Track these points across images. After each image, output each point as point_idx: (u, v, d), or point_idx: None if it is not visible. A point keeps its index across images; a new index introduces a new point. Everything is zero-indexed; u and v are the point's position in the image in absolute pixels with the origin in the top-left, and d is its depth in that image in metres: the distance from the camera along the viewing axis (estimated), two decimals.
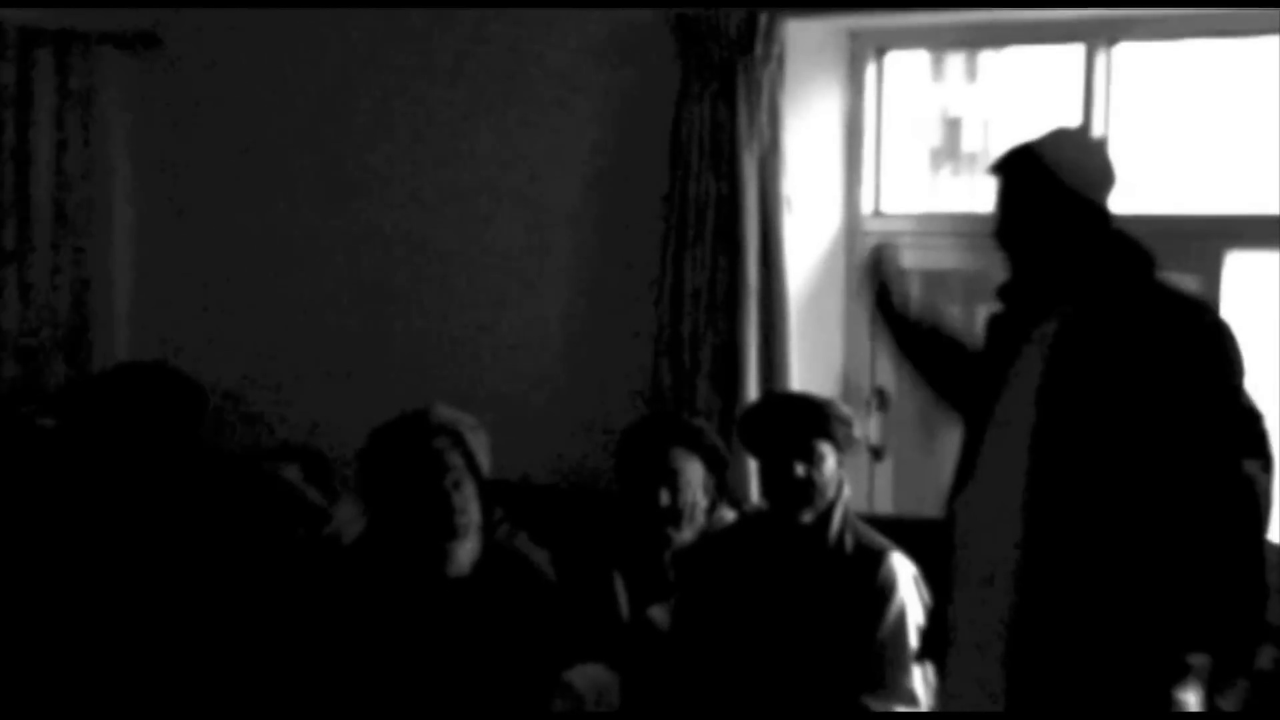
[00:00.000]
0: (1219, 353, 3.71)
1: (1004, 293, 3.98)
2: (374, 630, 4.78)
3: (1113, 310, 3.75)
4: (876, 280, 4.27)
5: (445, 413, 4.86)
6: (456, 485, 4.75)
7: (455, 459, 4.76)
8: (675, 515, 4.96)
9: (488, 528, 4.85)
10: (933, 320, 4.27)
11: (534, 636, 4.78)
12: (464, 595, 4.77)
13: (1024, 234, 3.83)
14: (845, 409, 4.79)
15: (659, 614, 4.87)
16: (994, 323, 4.02)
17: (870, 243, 5.48)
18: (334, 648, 4.82)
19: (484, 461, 4.83)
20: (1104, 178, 3.84)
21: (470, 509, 4.77)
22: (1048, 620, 3.73)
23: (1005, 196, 3.84)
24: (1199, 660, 3.70)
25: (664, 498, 4.95)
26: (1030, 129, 3.91)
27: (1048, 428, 3.75)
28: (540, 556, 4.91)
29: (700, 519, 5.01)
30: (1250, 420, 3.69)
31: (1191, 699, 3.74)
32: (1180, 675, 3.70)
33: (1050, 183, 3.79)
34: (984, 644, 3.81)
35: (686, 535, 4.98)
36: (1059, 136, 3.89)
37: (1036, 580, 3.73)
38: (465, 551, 4.78)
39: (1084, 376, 3.73)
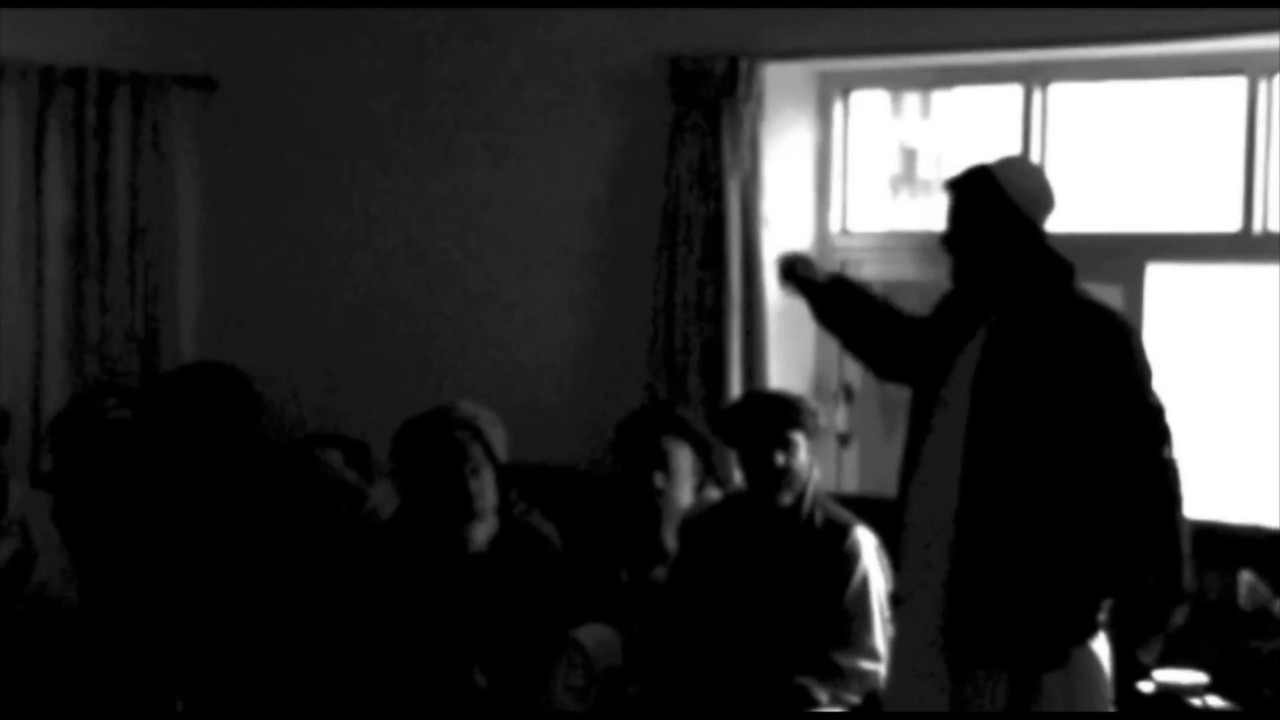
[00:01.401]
0: (1127, 351, 3.84)
1: (949, 297, 4.08)
2: (403, 601, 4.89)
3: (1038, 313, 3.87)
4: (785, 261, 4.32)
5: (467, 408, 5.00)
6: (475, 472, 4.88)
7: (474, 450, 4.89)
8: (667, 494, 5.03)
9: (505, 508, 4.97)
10: (849, 283, 4.33)
11: (545, 600, 4.89)
12: (481, 569, 4.89)
13: (970, 241, 3.93)
14: (813, 403, 4.90)
15: (662, 574, 4.96)
16: (945, 304, 4.11)
17: (839, 258, 5.61)
18: (367, 614, 4.93)
19: (500, 451, 4.96)
20: (1042, 199, 3.96)
21: (487, 493, 4.90)
22: (978, 583, 3.84)
23: (958, 208, 3.95)
24: (1103, 616, 3.84)
25: (658, 479, 5.01)
26: (977, 157, 4.02)
27: (979, 417, 3.85)
28: (550, 529, 5.02)
29: (688, 495, 5.07)
30: (1156, 413, 3.81)
31: (1101, 649, 3.89)
32: (1092, 630, 3.84)
33: (998, 198, 3.89)
34: (928, 602, 3.92)
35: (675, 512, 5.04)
36: (1009, 161, 4.02)
37: (969, 547, 3.85)
38: (482, 531, 4.91)
39: (1011, 371, 3.84)
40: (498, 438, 4.95)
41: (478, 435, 4.90)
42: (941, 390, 3.94)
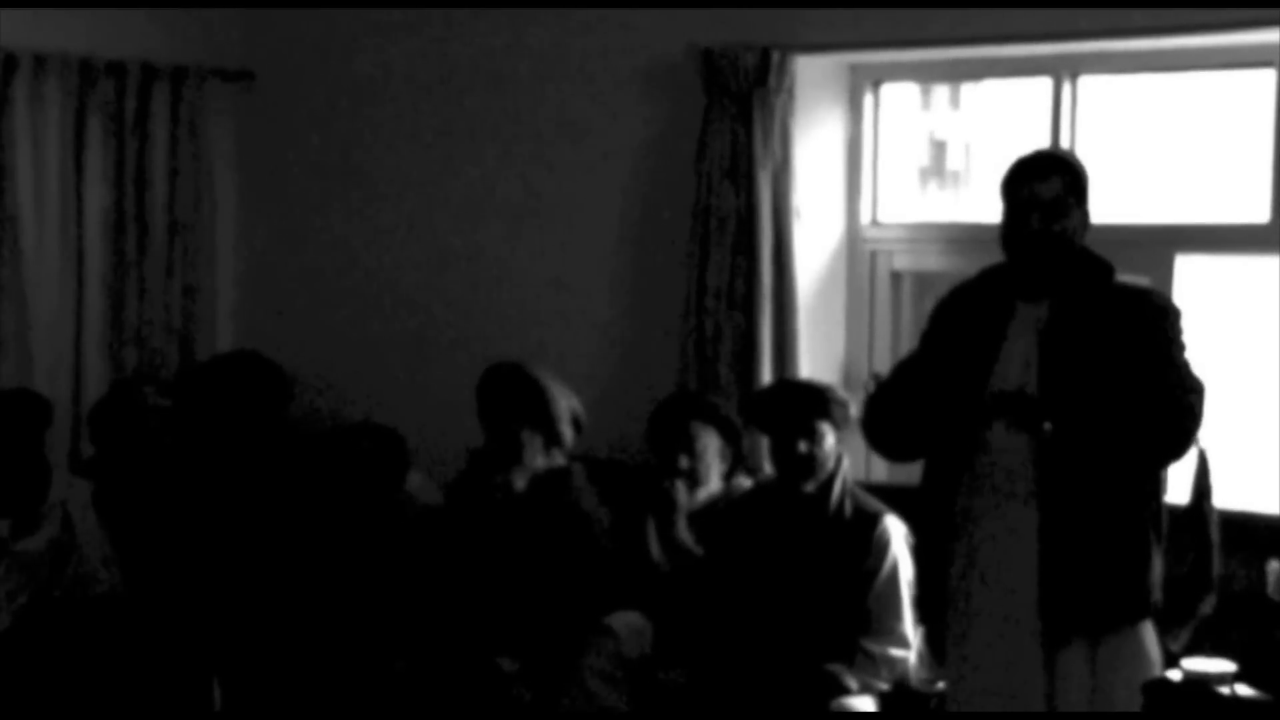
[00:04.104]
0: (1171, 326, 3.82)
1: (989, 280, 3.96)
2: (437, 572, 5.08)
3: (1095, 298, 3.82)
4: None
5: (544, 372, 5.21)
6: (519, 427, 5.10)
7: (525, 407, 5.10)
8: (691, 477, 5.02)
9: (560, 483, 5.09)
10: None
11: (577, 581, 4.97)
12: (513, 516, 5.04)
13: (1059, 233, 3.80)
14: (843, 392, 4.93)
15: (688, 538, 4.98)
16: (945, 309, 4.05)
17: (869, 249, 5.60)
18: (397, 598, 5.08)
19: (560, 418, 5.15)
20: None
21: (530, 449, 5.10)
22: (1071, 566, 3.78)
23: (1057, 198, 3.81)
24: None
25: (683, 461, 5.04)
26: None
27: (1048, 407, 3.76)
28: (596, 509, 5.11)
29: (716, 481, 5.08)
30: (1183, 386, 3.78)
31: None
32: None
33: (1084, 190, 3.86)
34: (1010, 591, 3.85)
35: (701, 495, 5.07)
36: (1071, 153, 3.99)
37: (1060, 533, 3.79)
38: (520, 479, 5.10)
39: (1077, 355, 3.78)
40: (562, 409, 5.12)
41: (540, 395, 5.07)
42: (992, 387, 3.83)
